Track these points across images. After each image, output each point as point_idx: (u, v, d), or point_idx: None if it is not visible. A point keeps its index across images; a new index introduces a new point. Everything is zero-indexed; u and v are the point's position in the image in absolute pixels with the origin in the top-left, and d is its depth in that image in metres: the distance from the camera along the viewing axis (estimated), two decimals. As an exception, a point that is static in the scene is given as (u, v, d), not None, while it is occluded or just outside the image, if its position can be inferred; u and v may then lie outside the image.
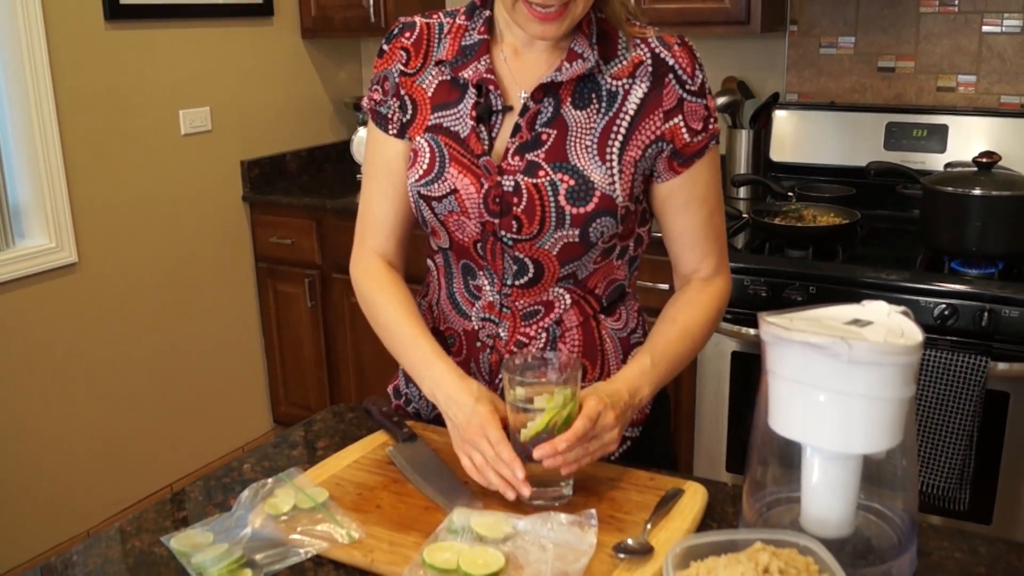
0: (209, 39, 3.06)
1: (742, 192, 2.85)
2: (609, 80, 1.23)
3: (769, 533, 0.94)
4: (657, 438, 1.40)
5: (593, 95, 1.23)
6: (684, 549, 0.93)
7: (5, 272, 2.53)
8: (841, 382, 0.92)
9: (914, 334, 0.96)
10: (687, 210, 1.28)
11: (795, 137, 2.77)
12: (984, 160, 2.15)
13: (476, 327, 1.32)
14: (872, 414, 0.94)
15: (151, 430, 2.98)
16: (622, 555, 1.01)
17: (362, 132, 3.22)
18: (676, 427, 2.48)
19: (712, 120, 1.26)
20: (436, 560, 1.01)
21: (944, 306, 2.07)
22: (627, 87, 1.23)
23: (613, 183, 1.21)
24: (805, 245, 2.35)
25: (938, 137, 2.56)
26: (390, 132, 1.32)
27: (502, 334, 1.30)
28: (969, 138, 2.54)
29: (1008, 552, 1.06)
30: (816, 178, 2.71)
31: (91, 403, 2.80)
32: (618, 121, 1.22)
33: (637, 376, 1.21)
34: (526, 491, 1.09)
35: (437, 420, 1.38)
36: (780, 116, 2.78)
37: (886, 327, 0.98)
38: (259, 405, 3.37)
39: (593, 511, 1.07)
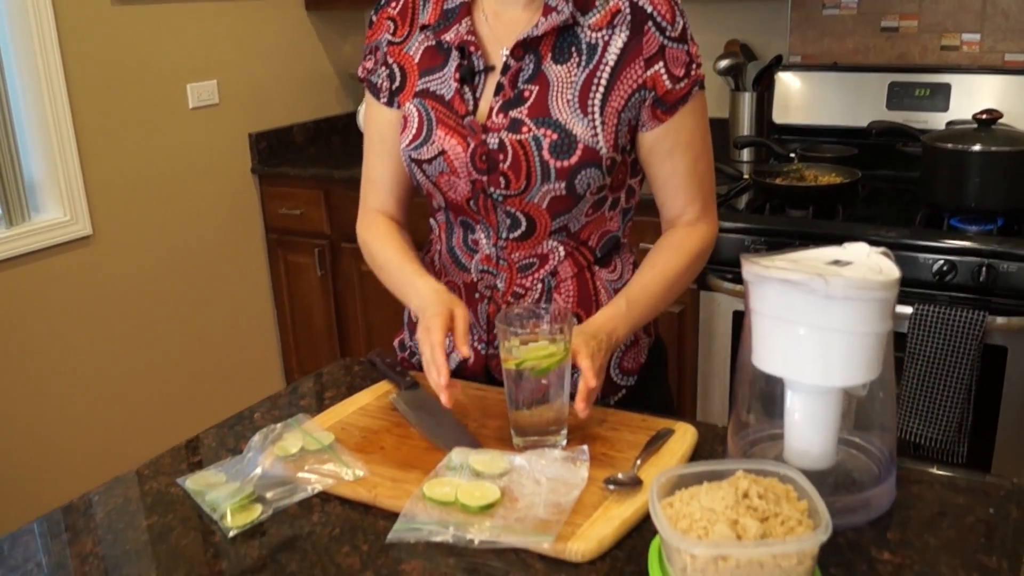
0: (215, 14, 3.10)
1: (745, 154, 2.88)
2: (588, 32, 1.26)
3: (751, 463, 0.98)
4: (653, 389, 1.45)
5: (573, 49, 1.26)
6: (669, 479, 0.97)
7: (22, 245, 2.59)
8: (819, 317, 0.96)
9: (891, 271, 1.00)
10: (671, 157, 1.31)
11: (798, 99, 2.79)
12: (984, 117, 2.17)
13: (475, 279, 1.36)
14: (850, 348, 0.98)
15: (165, 398, 3.04)
16: (612, 487, 1.05)
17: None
18: (681, 385, 2.52)
19: (695, 66, 1.28)
20: (436, 494, 1.06)
21: (943, 262, 2.10)
22: (606, 38, 1.25)
23: (596, 135, 1.25)
24: (805, 205, 2.38)
25: (941, 96, 2.58)
26: (381, 100, 1.38)
27: (499, 285, 1.35)
28: (972, 97, 2.55)
29: (984, 485, 1.10)
30: (819, 139, 2.73)
31: (106, 370, 2.87)
32: (599, 73, 1.25)
33: (611, 318, 1.26)
34: (445, 398, 1.14)
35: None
36: (783, 78, 2.80)
37: (865, 266, 1.02)
38: (272, 373, 3.43)
39: (585, 447, 1.11)
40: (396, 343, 1.55)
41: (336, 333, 3.31)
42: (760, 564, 0.86)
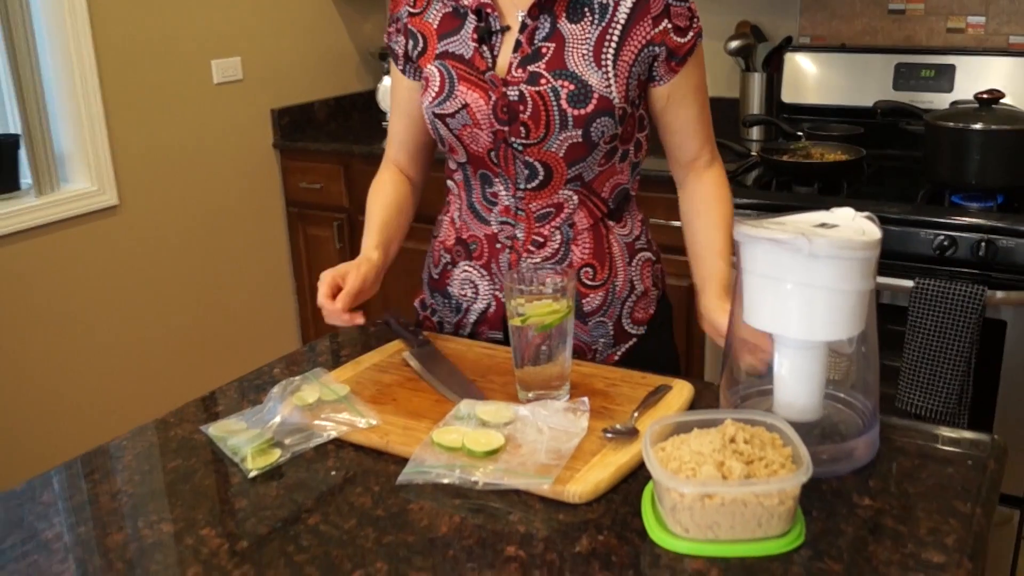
0: (239, -9, 3.17)
1: (755, 133, 2.92)
2: None
3: (741, 413, 1.05)
4: (660, 341, 1.53)
5: (586, 8, 1.35)
6: (663, 427, 1.04)
7: (52, 214, 2.67)
8: (804, 275, 1.02)
9: (873, 233, 1.06)
10: (685, 103, 1.42)
11: (806, 79, 2.83)
12: (985, 96, 2.21)
13: (495, 230, 1.44)
14: (833, 305, 1.04)
15: (186, 363, 3.13)
16: (609, 436, 1.12)
17: (387, 81, 3.31)
18: (690, 350, 2.58)
19: (695, 20, 1.39)
20: (444, 440, 1.13)
21: (943, 237, 2.15)
22: (617, 0, 1.34)
23: (609, 85, 1.33)
24: (811, 181, 2.43)
25: (946, 77, 2.62)
26: (398, 66, 1.49)
27: (519, 235, 1.43)
28: (976, 78, 2.59)
29: (965, 440, 1.16)
30: (827, 118, 2.77)
31: (129, 335, 2.95)
32: (610, 30, 1.34)
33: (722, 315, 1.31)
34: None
35: (458, 327, 1.51)
36: (792, 59, 2.84)
37: (851, 228, 1.08)
38: (290, 342, 3.52)
39: (585, 399, 1.18)
40: (417, 303, 1.63)
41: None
42: (743, 503, 0.93)
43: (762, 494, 0.92)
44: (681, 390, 1.25)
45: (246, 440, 1.17)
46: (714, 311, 1.34)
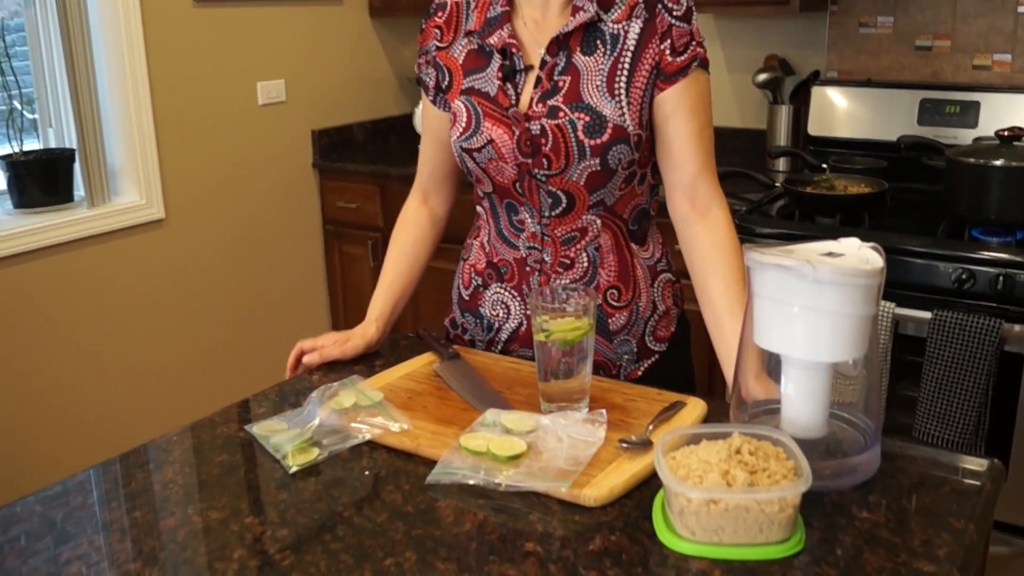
0: (285, 18, 3.30)
1: (781, 164, 2.99)
2: (610, 25, 1.43)
3: (748, 428, 1.12)
4: (679, 358, 1.61)
5: (598, 41, 1.43)
6: (675, 437, 1.11)
7: (103, 225, 2.80)
8: (809, 300, 1.10)
9: (876, 262, 1.13)
10: (676, 119, 1.44)
11: (832, 112, 2.90)
12: (1007, 134, 2.27)
13: (524, 255, 1.53)
14: (837, 328, 1.11)
15: (223, 372, 3.24)
16: (625, 445, 1.20)
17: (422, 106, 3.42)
18: (711, 370, 2.64)
19: (694, 43, 1.44)
20: (470, 445, 1.21)
21: (961, 271, 2.21)
22: (626, 28, 1.42)
23: (623, 114, 1.41)
24: (833, 213, 2.49)
25: (970, 113, 2.68)
26: (428, 97, 1.58)
27: (546, 258, 1.51)
28: (1001, 114, 2.65)
29: (965, 461, 1.22)
30: (851, 151, 2.84)
31: (171, 341, 3.07)
32: (622, 58, 1.42)
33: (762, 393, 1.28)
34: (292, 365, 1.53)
35: (489, 345, 1.60)
36: (818, 92, 2.92)
37: (856, 257, 1.15)
38: (325, 359, 3.62)
39: (603, 411, 1.26)
40: (447, 322, 1.71)
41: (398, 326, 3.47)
42: (746, 509, 1.00)
43: (763, 501, 0.99)
44: (695, 407, 1.33)
45: (287, 439, 1.25)
46: (754, 392, 1.27)
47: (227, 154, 3.18)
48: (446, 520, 1.09)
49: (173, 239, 3.04)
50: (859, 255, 1.15)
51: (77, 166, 2.81)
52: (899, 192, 2.64)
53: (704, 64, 1.46)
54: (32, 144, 2.86)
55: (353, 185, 3.45)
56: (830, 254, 1.16)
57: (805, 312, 1.11)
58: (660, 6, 1.42)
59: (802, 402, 1.16)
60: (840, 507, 1.10)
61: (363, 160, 3.47)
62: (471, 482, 1.15)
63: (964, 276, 2.20)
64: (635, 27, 1.42)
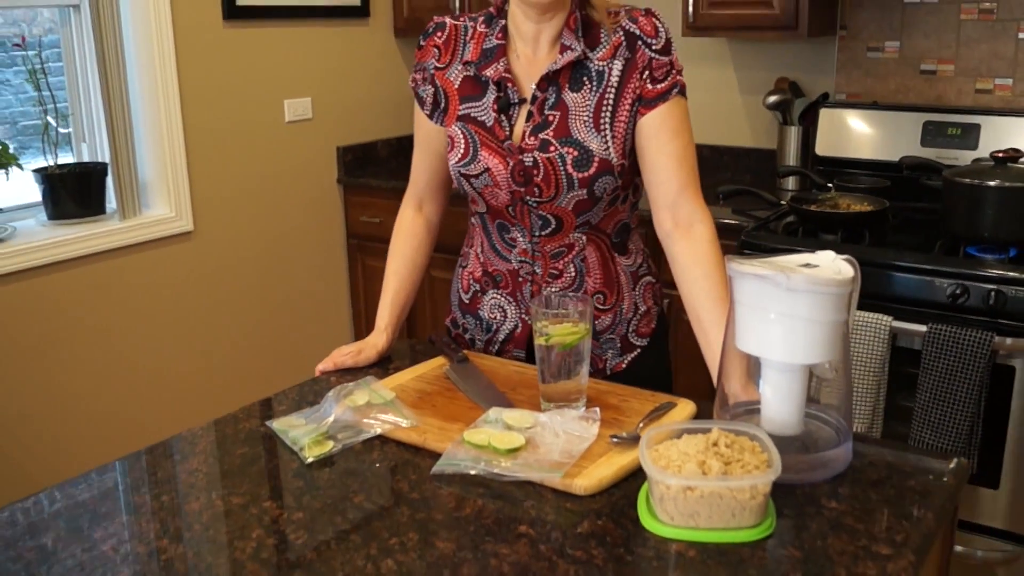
0: (312, 37, 3.43)
1: (790, 183, 3.08)
2: (596, 63, 1.54)
3: (728, 424, 1.22)
4: (658, 353, 1.72)
5: (585, 78, 1.54)
6: (659, 432, 1.21)
7: (134, 236, 2.93)
8: (785, 307, 1.19)
9: (847, 273, 1.22)
10: (659, 140, 1.53)
11: (839, 133, 2.99)
12: (1001, 155, 2.35)
13: (516, 267, 1.65)
14: (810, 333, 1.20)
15: (246, 379, 3.36)
16: (615, 440, 1.29)
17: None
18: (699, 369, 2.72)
19: (674, 71, 1.55)
20: (473, 439, 1.31)
21: (956, 286, 2.29)
22: (610, 66, 1.53)
23: (608, 148, 1.52)
24: (835, 230, 2.58)
25: (971, 136, 2.76)
26: (424, 111, 1.68)
27: (537, 271, 1.63)
28: (1001, 137, 2.72)
29: (933, 460, 1.31)
30: (856, 171, 2.93)
31: (198, 348, 3.20)
32: (607, 94, 1.53)
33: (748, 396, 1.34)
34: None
35: (488, 344, 1.71)
36: (826, 114, 3.01)
37: (831, 268, 1.25)
38: (345, 368, 3.74)
39: (597, 409, 1.36)
40: (448, 322, 1.82)
41: (406, 331, 3.59)
42: (720, 495, 1.09)
43: (735, 488, 1.09)
44: (684, 407, 1.42)
45: (304, 433, 1.36)
46: (740, 395, 1.34)
47: (254, 169, 3.31)
48: (447, 506, 1.19)
49: (201, 251, 3.17)
50: (833, 266, 1.25)
51: (109, 179, 2.94)
52: (901, 210, 2.73)
53: (683, 91, 1.57)
54: (66, 158, 2.99)
55: (376, 200, 3.56)
56: (807, 265, 1.25)
57: (781, 318, 1.20)
58: (640, 42, 1.53)
59: (779, 401, 1.26)
60: (811, 498, 1.19)
61: (386, 176, 3.59)
62: (472, 472, 1.25)
63: (958, 291, 2.28)
64: (618, 64, 1.53)
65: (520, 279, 1.65)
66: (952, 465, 1.28)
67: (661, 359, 1.73)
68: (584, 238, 1.61)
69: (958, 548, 2.40)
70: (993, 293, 2.24)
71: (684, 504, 1.10)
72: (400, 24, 3.73)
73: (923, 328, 2.28)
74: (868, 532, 1.11)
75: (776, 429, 1.26)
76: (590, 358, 1.58)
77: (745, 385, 1.36)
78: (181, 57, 3.00)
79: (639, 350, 1.69)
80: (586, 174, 1.52)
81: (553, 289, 1.61)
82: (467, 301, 1.75)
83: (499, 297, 1.69)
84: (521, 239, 1.62)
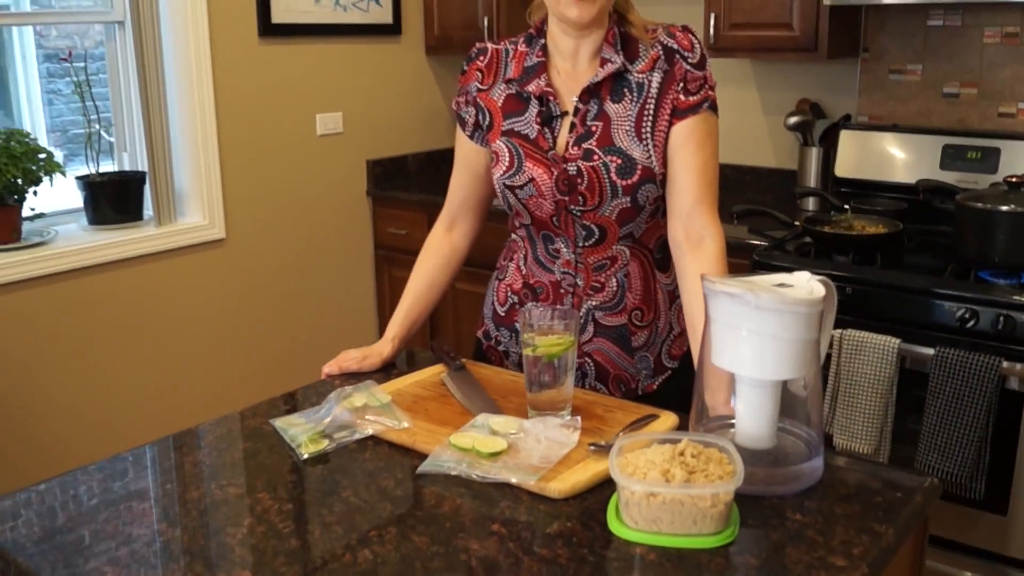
0: (344, 54, 3.54)
1: (811, 204, 3.11)
2: (636, 75, 1.60)
3: (700, 436, 1.27)
4: (690, 374, 1.73)
5: (625, 90, 1.60)
6: (632, 441, 1.26)
7: (168, 242, 3.05)
8: (754, 324, 1.24)
9: (818, 293, 1.27)
10: (684, 151, 1.59)
11: (859, 155, 3.01)
12: (1014, 180, 2.37)
13: (559, 279, 1.69)
14: (779, 350, 1.25)
15: (272, 382, 3.43)
16: (592, 448, 1.35)
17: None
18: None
19: (707, 86, 1.61)
20: (459, 442, 1.37)
21: (965, 310, 2.31)
22: (649, 78, 1.59)
23: (650, 156, 1.58)
24: (848, 251, 2.61)
25: (991, 159, 2.77)
26: (465, 132, 1.74)
27: (579, 283, 1.68)
28: (1021, 161, 2.73)
29: (904, 477, 1.35)
30: (876, 193, 2.95)
31: (225, 351, 3.31)
32: (647, 104, 1.59)
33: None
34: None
35: (517, 362, 1.76)
36: (846, 136, 3.03)
37: (805, 289, 1.29)
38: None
39: (578, 418, 1.41)
40: (480, 333, 1.87)
41: (429, 341, 3.66)
42: (681, 502, 1.14)
43: (696, 496, 1.14)
44: (666, 419, 1.47)
45: (302, 431, 1.44)
46: (721, 410, 1.37)
47: (286, 181, 3.41)
48: (428, 503, 1.25)
49: (232, 258, 3.28)
50: (807, 286, 1.29)
51: (147, 188, 3.06)
52: (917, 233, 2.74)
53: (714, 106, 1.63)
54: (108, 166, 3.12)
55: (404, 213, 3.65)
56: (781, 284, 1.30)
57: (752, 335, 1.25)
58: (678, 56, 1.60)
59: (751, 416, 1.30)
60: (777, 510, 1.24)
61: (414, 189, 3.68)
62: (454, 473, 1.31)
63: (967, 315, 2.30)
64: (657, 76, 1.59)
65: (562, 291, 1.69)
66: (922, 484, 1.31)
67: (690, 383, 1.75)
68: (628, 251, 1.66)
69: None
70: (1002, 318, 2.26)
71: (647, 509, 1.15)
72: (431, 42, 3.82)
73: (931, 351, 2.30)
74: (827, 544, 1.15)
75: (748, 442, 1.31)
76: (623, 377, 1.64)
77: (727, 400, 1.42)
78: (218, 72, 3.11)
79: (670, 372, 1.72)
80: (629, 181, 1.58)
81: (592, 303, 1.65)
82: (503, 313, 1.80)
83: None
84: (565, 250, 1.67)
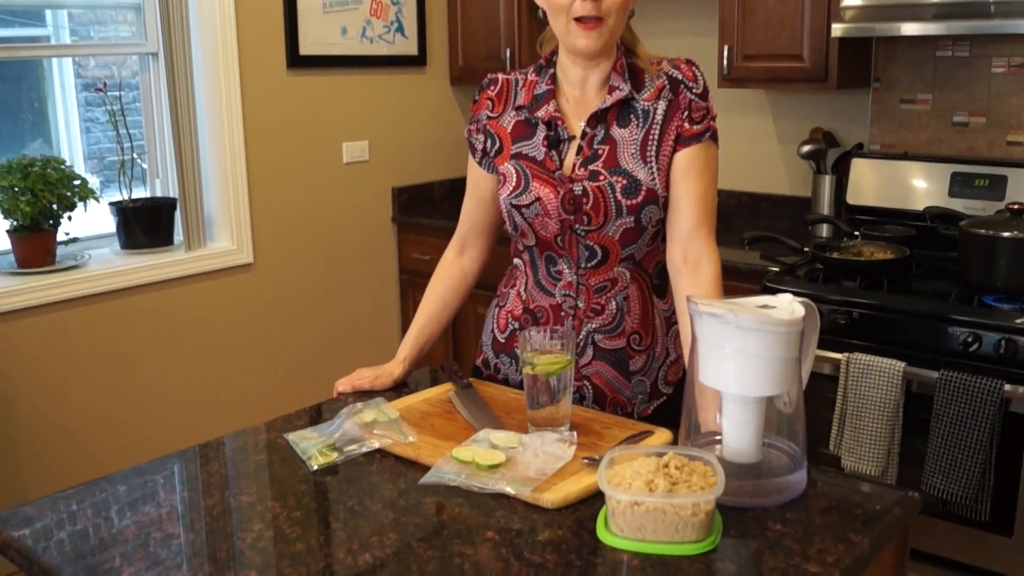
0: (370, 84, 3.65)
1: (824, 230, 3.16)
2: (642, 103, 1.68)
3: (686, 450, 1.33)
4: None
5: (632, 116, 1.68)
6: (622, 454, 1.33)
7: (197, 267, 3.17)
8: (737, 343, 1.31)
9: (797, 314, 1.33)
10: (686, 178, 1.67)
11: (870, 183, 3.07)
12: (1017, 207, 2.42)
13: (559, 301, 1.76)
14: (761, 368, 1.31)
15: (297, 404, 3.53)
16: (586, 462, 1.42)
17: (495, 166, 3.73)
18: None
19: (709, 117, 1.69)
20: (460, 455, 1.44)
21: (968, 334, 2.35)
22: (655, 106, 1.67)
23: (654, 178, 1.66)
24: (855, 277, 2.66)
25: (999, 187, 2.81)
26: (475, 159, 1.83)
27: (580, 305, 1.74)
28: (1028, 189, 2.78)
29: (885, 491, 1.40)
30: (886, 219, 3.00)
31: (252, 372, 3.41)
32: (652, 129, 1.67)
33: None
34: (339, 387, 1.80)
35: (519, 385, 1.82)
36: (858, 164, 3.09)
37: (786, 310, 1.36)
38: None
39: (574, 433, 1.48)
40: (479, 362, 1.95)
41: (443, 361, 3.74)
42: (663, 511, 1.21)
43: (678, 505, 1.20)
44: (660, 435, 1.53)
45: (313, 444, 1.52)
46: (711, 426, 1.43)
47: (312, 207, 3.53)
48: (428, 512, 1.33)
49: (260, 282, 3.39)
50: (788, 308, 1.36)
51: (178, 213, 3.18)
52: (924, 259, 2.79)
53: (715, 137, 1.71)
54: (141, 192, 3.25)
55: (428, 238, 3.75)
56: (765, 306, 1.37)
57: (735, 354, 1.32)
58: (683, 86, 1.68)
59: (736, 431, 1.37)
60: (759, 520, 1.30)
61: (438, 216, 3.77)
62: (454, 484, 1.39)
63: (970, 339, 2.34)
64: (662, 104, 1.67)
65: (562, 313, 1.76)
66: (902, 497, 1.37)
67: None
68: (628, 274, 1.72)
69: (971, 595, 2.44)
70: (1004, 342, 2.30)
71: (632, 518, 1.22)
72: (455, 72, 3.93)
73: (935, 374, 2.35)
74: (803, 552, 1.21)
75: (735, 457, 1.37)
76: (620, 401, 1.70)
77: (715, 417, 1.48)
78: (247, 102, 3.24)
79: (665, 397, 1.78)
80: (634, 201, 1.65)
81: (592, 325, 1.71)
82: (503, 340, 1.87)
83: None
84: (567, 271, 1.74)
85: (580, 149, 1.70)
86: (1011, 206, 2.44)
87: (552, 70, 1.75)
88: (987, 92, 2.96)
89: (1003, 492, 2.37)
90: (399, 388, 1.82)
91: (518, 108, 1.76)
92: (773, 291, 2.62)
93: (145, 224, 3.12)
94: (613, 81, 1.69)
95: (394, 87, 3.75)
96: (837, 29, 2.78)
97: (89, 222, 3.09)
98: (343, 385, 1.79)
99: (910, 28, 2.70)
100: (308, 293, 3.55)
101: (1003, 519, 2.40)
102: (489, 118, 1.80)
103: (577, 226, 1.69)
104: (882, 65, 3.12)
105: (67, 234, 3.01)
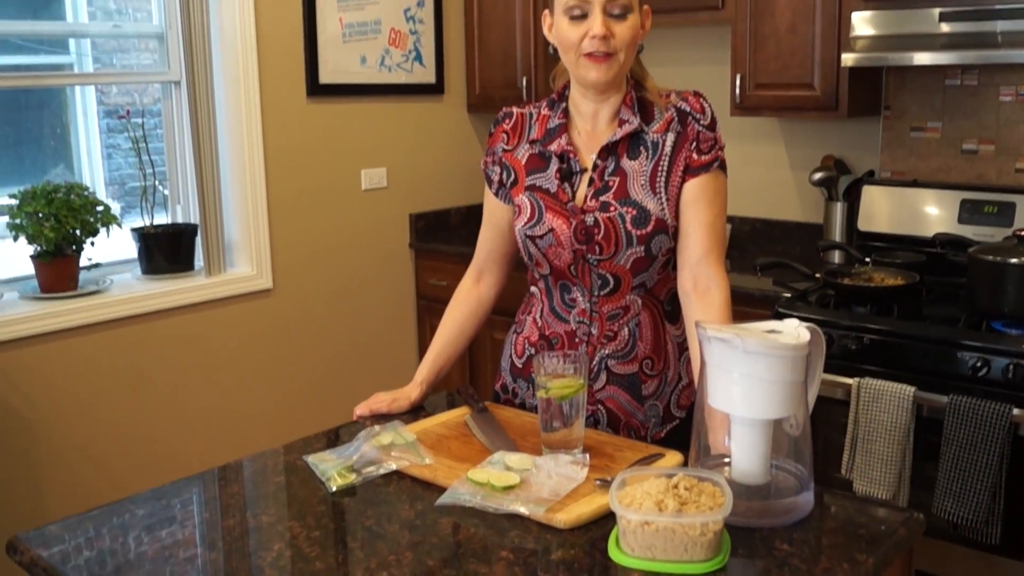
0: (389, 112, 3.72)
1: (837, 257, 3.20)
2: (651, 135, 1.73)
3: (696, 472, 1.37)
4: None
5: (641, 148, 1.73)
6: (632, 476, 1.37)
7: (217, 292, 3.22)
8: (744, 367, 1.35)
9: (803, 339, 1.37)
10: (695, 206, 1.71)
11: (880, 210, 3.10)
12: (1022, 234, 2.45)
13: (574, 328, 1.81)
14: (768, 391, 1.35)
15: (316, 428, 3.58)
16: (599, 483, 1.45)
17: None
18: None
19: (717, 147, 1.73)
20: (476, 477, 1.48)
21: (977, 359, 2.38)
22: (664, 138, 1.72)
23: (663, 208, 1.71)
24: (866, 303, 2.69)
25: (1007, 213, 2.84)
26: (491, 190, 1.89)
27: (593, 332, 1.79)
28: (1036, 215, 2.81)
29: (890, 512, 1.43)
30: (896, 246, 3.03)
31: (271, 395, 3.45)
32: (661, 161, 1.72)
33: None
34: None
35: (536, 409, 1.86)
36: (868, 191, 3.13)
37: (792, 335, 1.40)
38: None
39: (587, 455, 1.52)
40: (498, 387, 1.99)
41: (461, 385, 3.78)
42: (672, 531, 1.25)
43: (687, 525, 1.24)
44: (672, 458, 1.57)
45: (332, 466, 1.56)
46: (721, 448, 1.46)
47: (331, 233, 3.59)
48: (444, 531, 1.36)
49: (279, 307, 3.44)
50: (794, 333, 1.40)
51: (199, 239, 3.24)
52: (935, 285, 2.82)
53: (723, 166, 1.75)
54: (162, 219, 3.31)
55: (445, 264, 3.79)
56: (771, 331, 1.40)
57: (742, 377, 1.36)
58: (691, 118, 1.73)
59: (744, 453, 1.40)
60: (767, 540, 1.33)
61: (456, 242, 3.82)
62: (470, 504, 1.42)
63: (979, 364, 2.37)
64: (671, 136, 1.72)
65: (577, 340, 1.80)
66: (906, 518, 1.40)
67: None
68: (640, 301, 1.77)
69: (984, 618, 2.45)
70: (1012, 366, 2.32)
71: (642, 537, 1.25)
72: (473, 100, 4.00)
73: (945, 399, 2.37)
74: (809, 572, 1.25)
75: (743, 478, 1.41)
76: (634, 425, 1.74)
77: (725, 439, 1.51)
78: (267, 130, 3.31)
79: (678, 421, 1.82)
80: (644, 231, 1.70)
81: (605, 351, 1.76)
82: (520, 365, 1.92)
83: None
84: (581, 299, 1.79)
85: (591, 181, 1.74)
86: (1019, 232, 2.46)
87: (564, 104, 1.80)
88: (996, 120, 2.99)
89: (1013, 516, 2.39)
90: (416, 412, 1.87)
91: (532, 142, 1.81)
92: (784, 317, 2.66)
93: (166, 250, 3.18)
94: (623, 114, 1.73)
95: (412, 115, 3.81)
96: (848, 59, 2.83)
97: (111, 248, 3.15)
98: (361, 409, 1.84)
99: (920, 58, 2.74)
100: (327, 318, 3.61)
101: (1014, 542, 2.41)
102: (504, 151, 1.85)
103: (589, 255, 1.73)
104: (892, 94, 3.16)
105: (89, 259, 3.06)
